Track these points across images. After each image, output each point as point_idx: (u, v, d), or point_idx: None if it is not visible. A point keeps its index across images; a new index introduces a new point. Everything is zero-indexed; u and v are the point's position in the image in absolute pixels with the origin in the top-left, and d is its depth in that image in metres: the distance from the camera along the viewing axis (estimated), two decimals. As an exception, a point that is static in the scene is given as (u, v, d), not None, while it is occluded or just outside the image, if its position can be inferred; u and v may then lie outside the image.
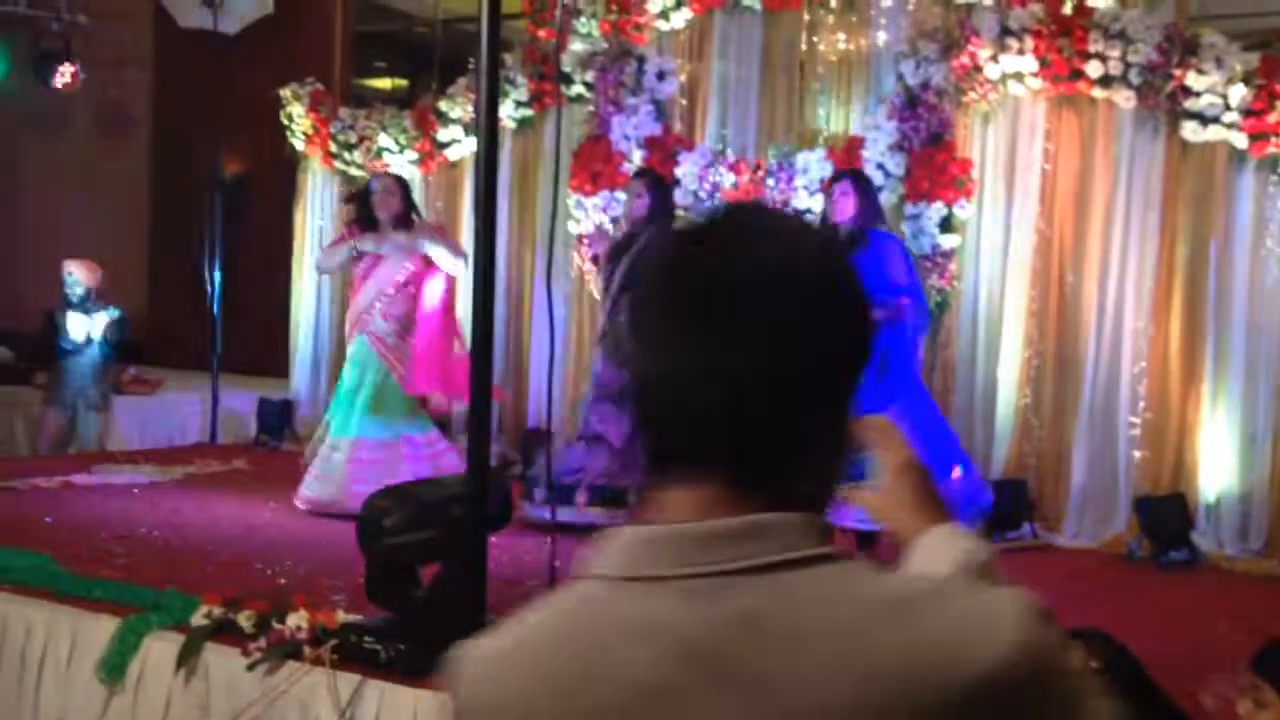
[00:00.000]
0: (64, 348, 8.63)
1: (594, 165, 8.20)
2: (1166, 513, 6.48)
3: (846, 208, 6.17)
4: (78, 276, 8.62)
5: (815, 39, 7.84)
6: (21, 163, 12.03)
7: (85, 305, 8.63)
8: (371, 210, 6.90)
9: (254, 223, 10.27)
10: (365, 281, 6.94)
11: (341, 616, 4.26)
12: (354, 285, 7.10)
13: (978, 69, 7.05)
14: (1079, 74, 6.82)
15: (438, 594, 4.00)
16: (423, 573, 4.17)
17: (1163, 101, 6.66)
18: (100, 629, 4.48)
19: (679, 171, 7.86)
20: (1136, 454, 6.79)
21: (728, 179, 7.72)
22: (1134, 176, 6.84)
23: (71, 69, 10.43)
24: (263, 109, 9.88)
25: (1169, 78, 6.59)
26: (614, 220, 8.17)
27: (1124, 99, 6.76)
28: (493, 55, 3.60)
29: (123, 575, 5.02)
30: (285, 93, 9.82)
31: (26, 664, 4.62)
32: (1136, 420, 6.77)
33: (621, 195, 8.17)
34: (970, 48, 7.00)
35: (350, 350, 7.02)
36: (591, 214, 8.20)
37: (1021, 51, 6.91)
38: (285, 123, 9.88)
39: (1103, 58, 6.72)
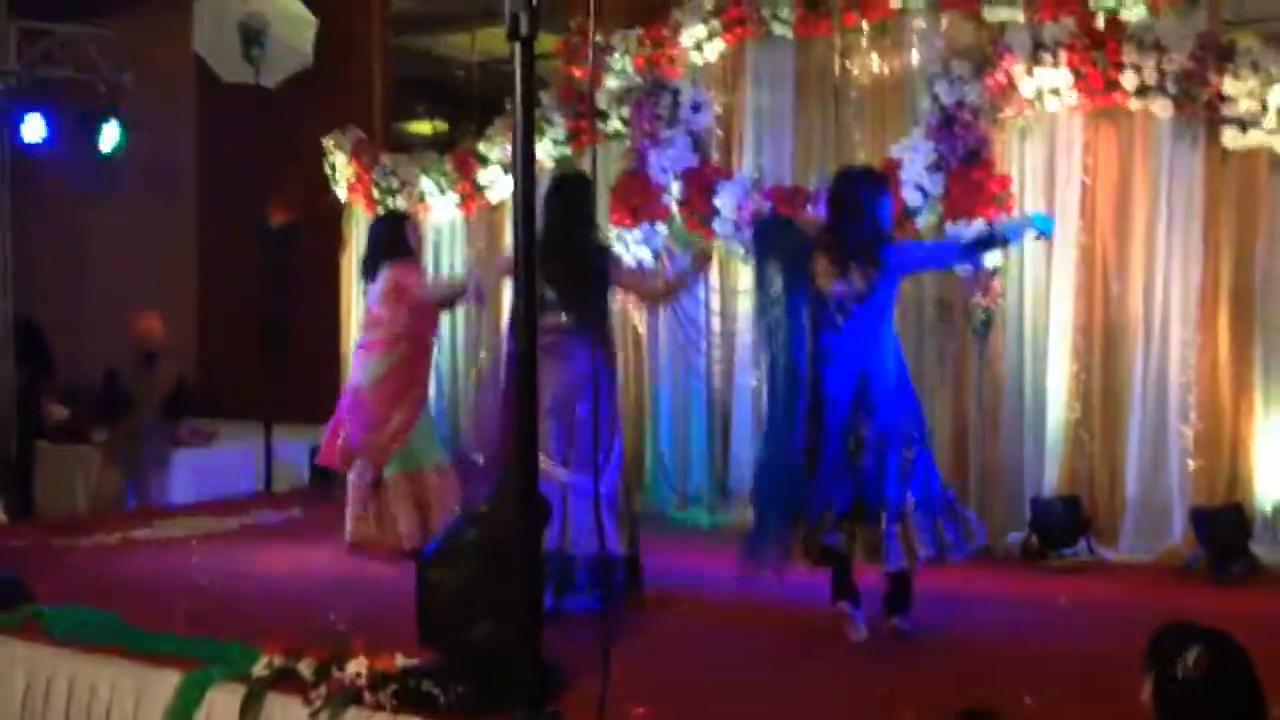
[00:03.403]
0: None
1: (633, 199, 8.24)
2: (1224, 523, 6.40)
3: None
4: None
5: (848, 63, 7.84)
6: (77, 223, 12.25)
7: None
8: None
9: (302, 271, 10.39)
10: None
11: (400, 661, 4.31)
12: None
13: (1012, 86, 7.03)
14: (1114, 85, 6.78)
15: (494, 637, 4.04)
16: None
17: (1200, 110, 6.60)
18: (164, 683, 4.54)
19: (717, 201, 7.89)
20: (1191, 464, 6.71)
21: (766, 207, 7.72)
22: (1174, 186, 6.78)
23: (118, 128, 10.62)
24: (307, 158, 10.02)
25: (1205, 85, 6.55)
26: (655, 254, 8.19)
27: (1161, 109, 6.71)
28: (528, 97, 3.65)
29: (184, 628, 5.09)
30: (328, 142, 9.95)
31: (93, 720, 4.69)
32: (1188, 431, 6.71)
33: (662, 228, 8.22)
34: (1004, 64, 6.99)
35: None
36: (632, 247, 8.23)
37: (1056, 65, 6.89)
38: (329, 171, 10.01)
39: (1137, 68, 6.67)
